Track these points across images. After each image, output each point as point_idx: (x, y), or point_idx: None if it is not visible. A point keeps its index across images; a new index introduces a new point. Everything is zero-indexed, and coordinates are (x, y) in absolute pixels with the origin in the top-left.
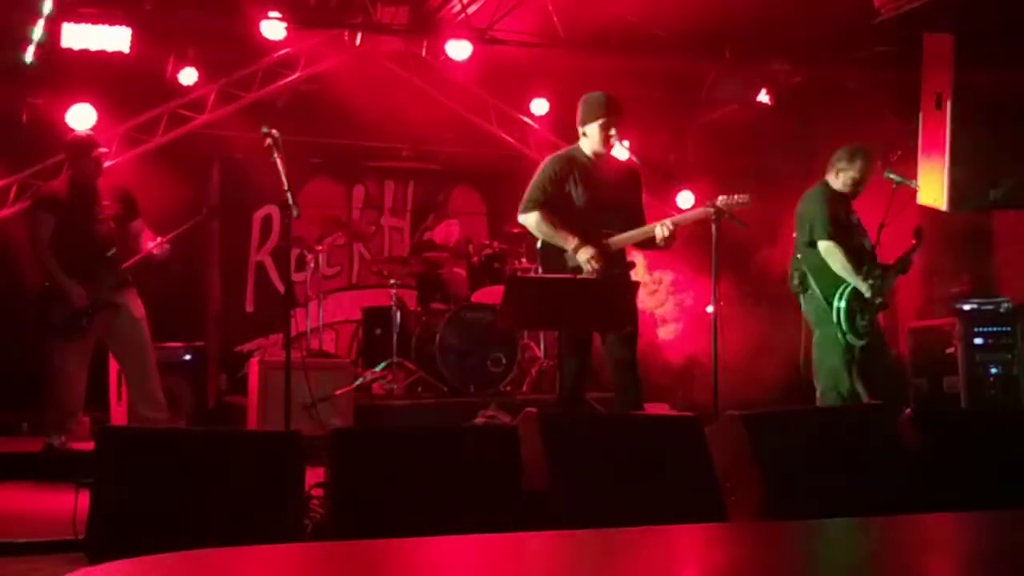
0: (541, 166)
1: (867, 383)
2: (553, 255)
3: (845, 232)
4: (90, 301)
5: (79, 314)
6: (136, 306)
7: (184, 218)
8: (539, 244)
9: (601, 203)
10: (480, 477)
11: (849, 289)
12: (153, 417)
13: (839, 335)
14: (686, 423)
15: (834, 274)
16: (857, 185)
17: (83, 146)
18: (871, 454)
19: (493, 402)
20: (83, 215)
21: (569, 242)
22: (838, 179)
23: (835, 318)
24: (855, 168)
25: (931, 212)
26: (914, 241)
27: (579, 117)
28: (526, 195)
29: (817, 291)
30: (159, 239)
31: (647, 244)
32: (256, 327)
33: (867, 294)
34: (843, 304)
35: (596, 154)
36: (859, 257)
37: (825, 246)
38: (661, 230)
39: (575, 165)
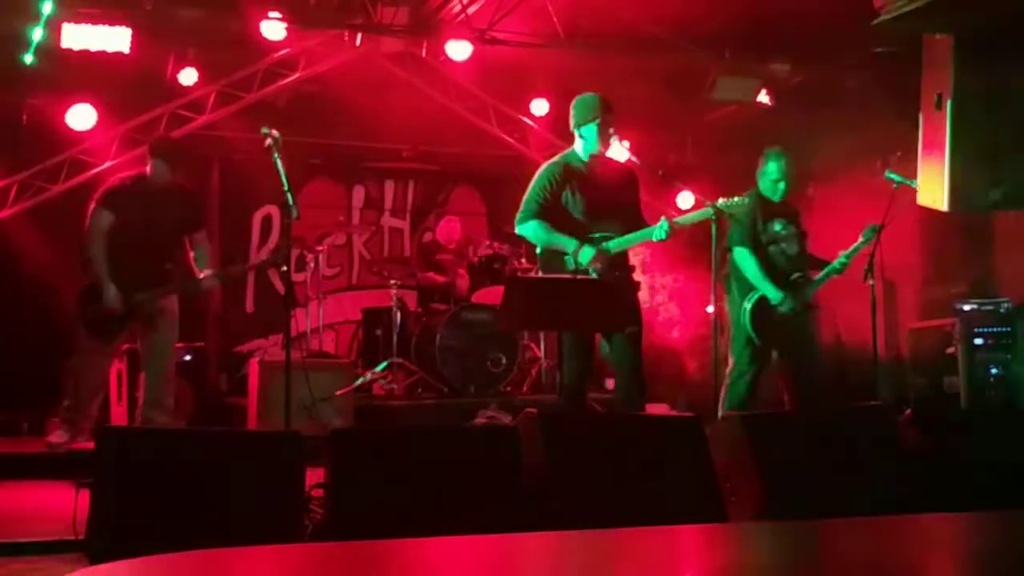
0: (536, 175)
1: (792, 389)
2: (552, 259)
3: (765, 238)
4: (128, 309)
5: (114, 319)
6: (173, 312)
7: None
8: (538, 248)
9: (599, 206)
10: (480, 477)
11: (759, 295)
12: (160, 421)
13: (747, 334)
14: (686, 423)
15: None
16: (776, 184)
17: (180, 150)
18: (871, 454)
19: (493, 402)
20: (147, 218)
21: (569, 245)
22: (761, 181)
23: (742, 319)
24: (766, 169)
25: (931, 212)
26: (859, 239)
27: (573, 120)
28: (522, 205)
29: (736, 293)
30: (211, 271)
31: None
32: (256, 327)
33: (773, 300)
34: (750, 306)
35: (592, 156)
36: (776, 264)
37: (736, 252)
38: (659, 233)
39: (571, 171)
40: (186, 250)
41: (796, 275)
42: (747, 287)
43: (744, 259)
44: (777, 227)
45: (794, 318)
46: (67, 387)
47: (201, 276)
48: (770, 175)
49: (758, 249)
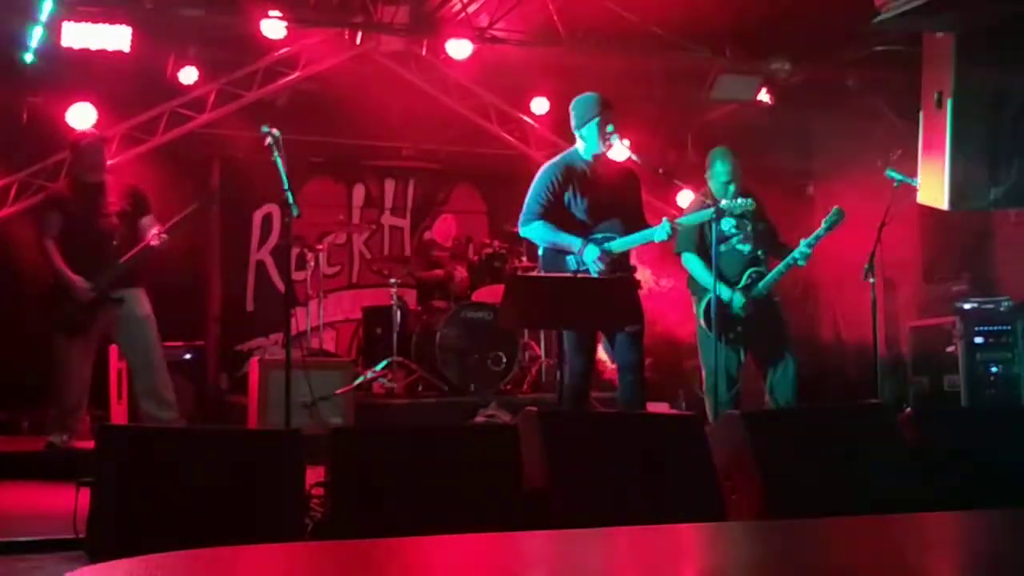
0: (538, 176)
1: (767, 384)
2: (554, 258)
3: (712, 239)
4: (94, 296)
5: (84, 310)
6: (142, 304)
7: (184, 219)
8: (540, 249)
9: (601, 206)
10: (480, 477)
11: (710, 295)
12: (162, 416)
13: (707, 335)
14: (686, 423)
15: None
16: (727, 186)
17: (79, 143)
18: (871, 453)
19: (493, 401)
20: (89, 212)
21: (573, 245)
22: (711, 183)
23: (700, 321)
24: (714, 171)
25: (932, 211)
26: (821, 225)
27: (573, 121)
28: (525, 207)
29: (693, 294)
30: (156, 229)
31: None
32: (256, 326)
33: (724, 298)
34: (703, 307)
35: (594, 156)
36: (728, 263)
37: (684, 257)
38: (661, 234)
39: (573, 172)
40: (137, 234)
41: (749, 271)
42: (701, 289)
43: (691, 263)
44: (725, 226)
45: (753, 314)
46: (52, 392)
47: (147, 239)
48: (718, 177)
49: (706, 251)
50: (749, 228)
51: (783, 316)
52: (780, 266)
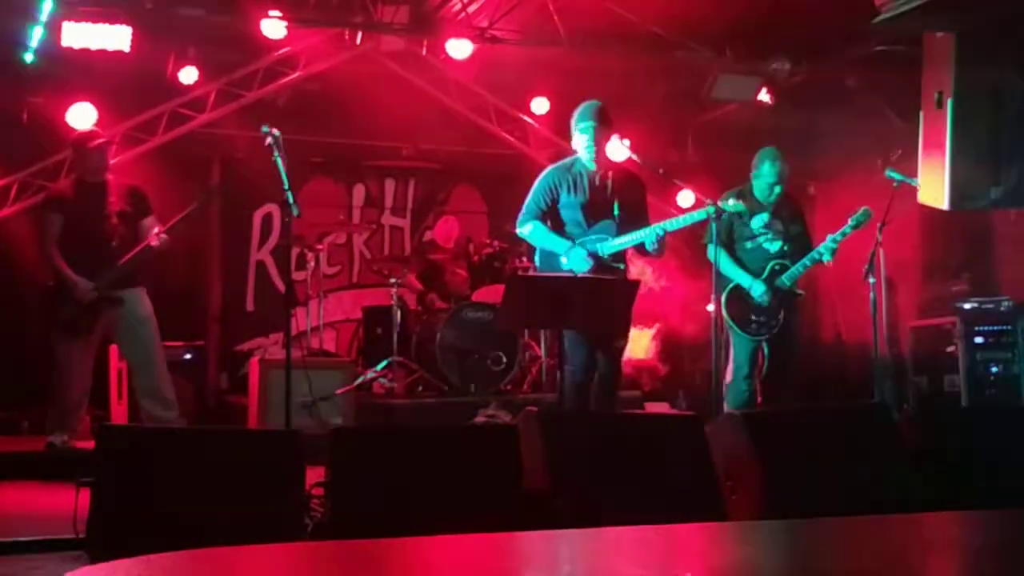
0: (539, 178)
1: (763, 375)
2: (548, 258)
3: (738, 234)
4: (95, 297)
5: (84, 310)
6: (143, 304)
7: (185, 219)
8: (536, 250)
9: (599, 210)
10: (480, 477)
11: (733, 285)
12: (163, 416)
13: (731, 323)
14: (686, 423)
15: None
16: (773, 187)
17: (85, 145)
18: (871, 453)
19: (493, 401)
20: (90, 213)
21: (560, 248)
22: (756, 182)
23: (723, 308)
24: (761, 171)
25: (932, 210)
26: (848, 222)
27: (571, 124)
28: (524, 207)
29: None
30: (157, 230)
31: (639, 250)
32: (256, 326)
33: (746, 287)
34: (724, 297)
35: (596, 161)
36: (754, 258)
37: (709, 249)
38: (650, 237)
39: (573, 176)
40: (138, 234)
41: (772, 263)
42: (725, 281)
43: (714, 253)
44: (757, 223)
45: (774, 305)
46: (52, 392)
47: (147, 240)
48: (766, 178)
49: (731, 245)
50: (781, 227)
51: (799, 312)
52: (805, 259)
